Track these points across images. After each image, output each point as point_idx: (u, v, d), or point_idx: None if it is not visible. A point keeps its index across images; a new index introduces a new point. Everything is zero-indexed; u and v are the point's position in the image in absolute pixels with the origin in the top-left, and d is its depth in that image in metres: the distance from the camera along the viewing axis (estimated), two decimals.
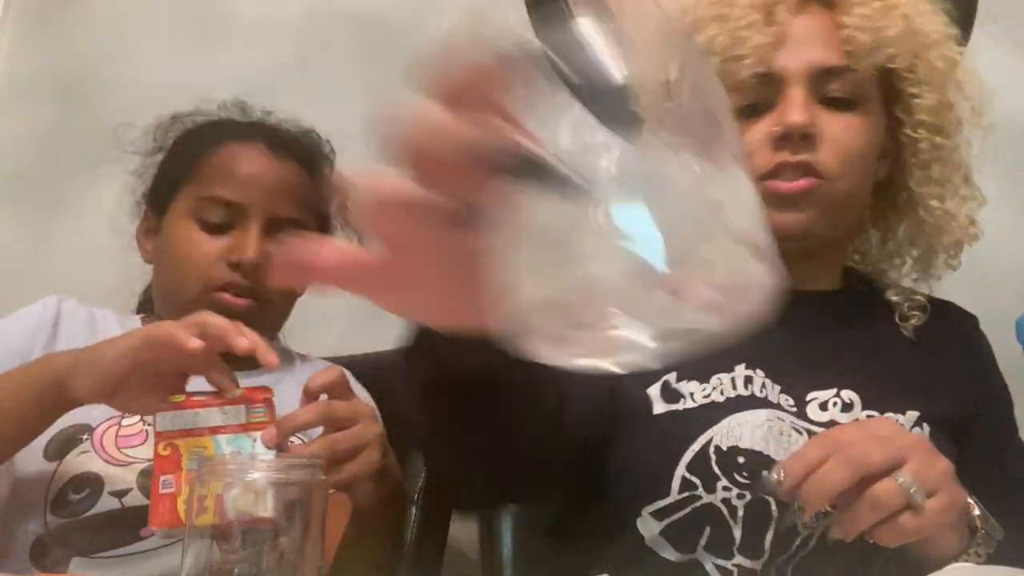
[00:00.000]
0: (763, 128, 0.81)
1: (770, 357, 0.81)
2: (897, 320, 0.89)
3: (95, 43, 1.88)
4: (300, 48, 1.78)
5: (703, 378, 0.80)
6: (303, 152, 1.14)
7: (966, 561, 0.64)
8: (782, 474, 0.62)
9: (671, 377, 0.81)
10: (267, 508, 0.58)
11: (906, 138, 0.86)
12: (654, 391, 0.80)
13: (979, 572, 0.58)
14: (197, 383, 0.96)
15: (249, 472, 0.58)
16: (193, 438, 0.73)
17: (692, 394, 0.79)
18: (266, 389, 0.78)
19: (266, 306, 1.03)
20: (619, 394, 0.81)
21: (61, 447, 0.93)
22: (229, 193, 1.03)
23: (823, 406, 0.80)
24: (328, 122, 1.76)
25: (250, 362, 1.05)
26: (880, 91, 0.85)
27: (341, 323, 1.60)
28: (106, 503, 0.91)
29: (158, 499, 0.72)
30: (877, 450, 0.61)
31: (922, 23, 0.84)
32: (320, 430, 0.78)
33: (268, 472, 0.58)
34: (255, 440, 0.73)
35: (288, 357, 1.13)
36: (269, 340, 1.15)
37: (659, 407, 0.79)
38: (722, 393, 0.79)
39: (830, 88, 0.81)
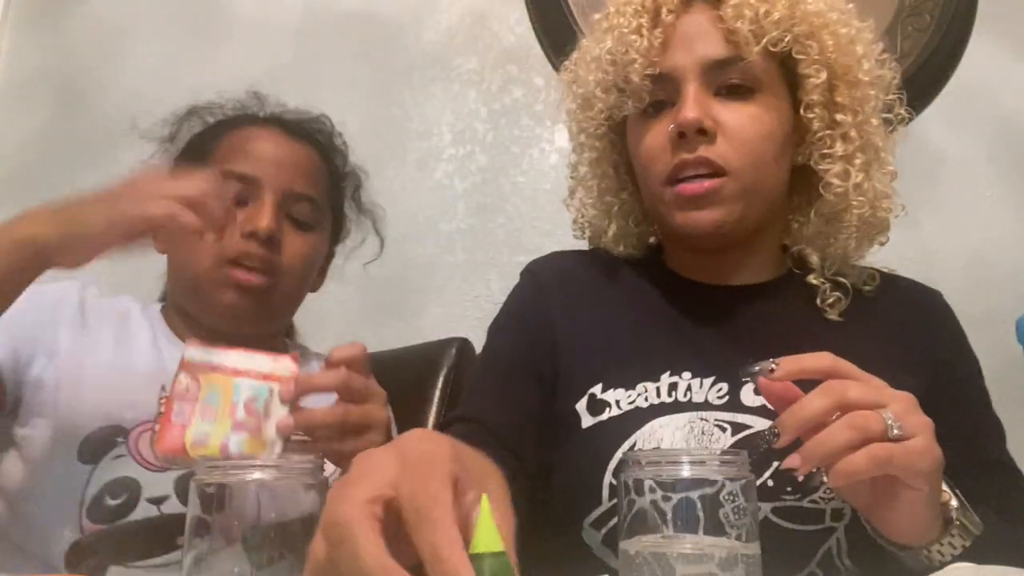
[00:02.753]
0: (664, 128, 0.83)
1: (699, 355, 0.82)
2: (819, 304, 0.87)
3: (95, 43, 1.88)
4: (300, 48, 1.78)
5: (629, 385, 0.81)
6: (315, 135, 1.14)
7: (940, 551, 0.62)
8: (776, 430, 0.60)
9: (596, 389, 0.82)
10: (273, 455, 0.59)
11: (805, 118, 0.84)
12: (581, 406, 0.81)
13: (979, 572, 0.57)
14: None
15: (250, 472, 0.58)
16: (216, 375, 0.74)
17: (618, 402, 0.80)
18: (295, 355, 0.79)
19: (281, 282, 1.02)
20: (551, 415, 0.83)
21: (95, 450, 0.92)
22: (243, 167, 1.03)
23: (757, 390, 0.80)
24: None
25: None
26: (781, 75, 0.85)
27: (341, 323, 1.60)
28: (143, 510, 0.90)
29: (168, 425, 0.72)
30: (858, 388, 0.60)
31: (809, 4, 0.83)
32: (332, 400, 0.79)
33: (269, 472, 0.58)
34: (272, 391, 0.73)
35: (305, 355, 1.13)
36: (283, 339, 1.15)
37: (587, 421, 0.81)
38: (646, 400, 0.80)
39: (725, 80, 0.82)
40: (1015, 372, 1.26)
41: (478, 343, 1.10)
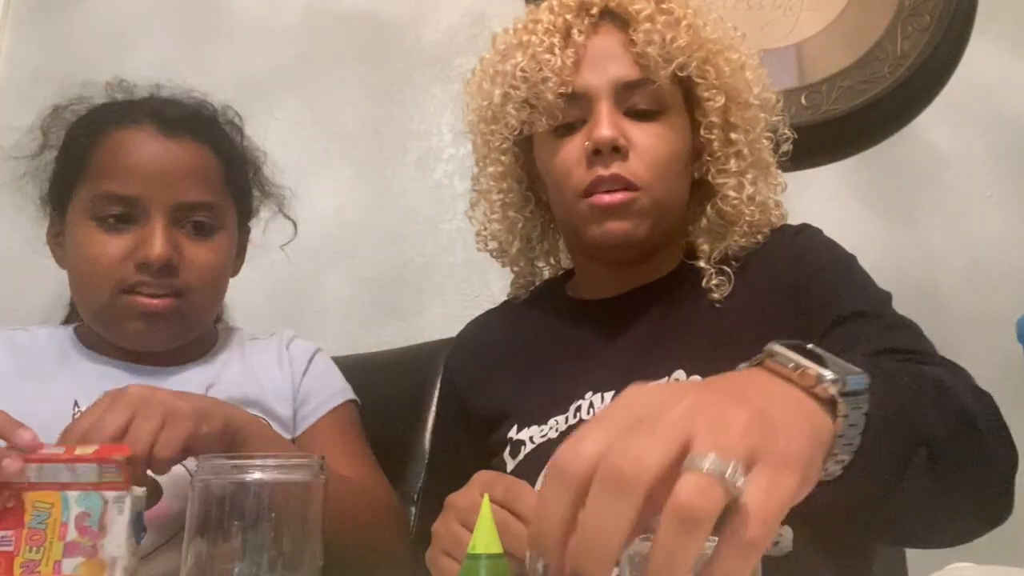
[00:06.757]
0: (577, 144, 0.87)
1: (600, 372, 0.86)
2: (704, 285, 0.89)
3: (95, 43, 1.88)
4: (300, 48, 1.78)
5: (541, 421, 0.86)
6: (199, 126, 1.00)
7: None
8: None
9: (512, 432, 0.87)
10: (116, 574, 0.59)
11: (704, 138, 0.90)
12: (506, 453, 0.87)
13: (979, 572, 0.57)
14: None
15: (250, 472, 0.58)
16: (39, 492, 0.64)
17: (531, 438, 0.85)
18: (122, 448, 0.68)
19: (190, 299, 0.94)
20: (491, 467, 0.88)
21: None
22: (122, 187, 0.93)
23: None
24: (328, 122, 1.76)
25: (191, 354, 1.01)
26: (682, 97, 0.90)
27: (341, 323, 1.60)
28: None
29: None
30: (648, 443, 0.39)
31: (707, 32, 0.89)
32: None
33: (268, 472, 0.58)
34: (107, 501, 0.64)
35: (238, 339, 1.08)
36: (213, 328, 1.07)
37: (510, 465, 0.86)
38: (557, 431, 0.84)
39: (633, 101, 0.86)
40: (1015, 372, 1.26)
41: None
